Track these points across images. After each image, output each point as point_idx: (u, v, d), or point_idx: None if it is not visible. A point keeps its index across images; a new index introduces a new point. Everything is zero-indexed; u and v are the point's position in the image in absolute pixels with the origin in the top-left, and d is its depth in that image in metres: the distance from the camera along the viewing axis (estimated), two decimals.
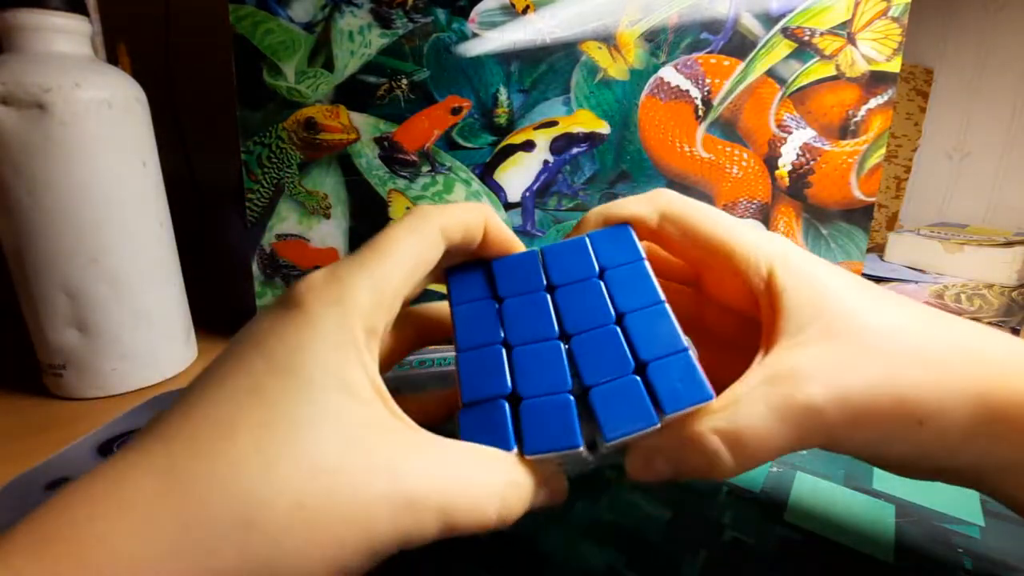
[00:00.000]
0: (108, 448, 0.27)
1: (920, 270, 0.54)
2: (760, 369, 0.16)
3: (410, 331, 0.21)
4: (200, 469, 0.12)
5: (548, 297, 0.18)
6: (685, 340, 0.16)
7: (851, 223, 0.41)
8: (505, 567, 0.20)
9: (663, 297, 0.17)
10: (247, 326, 0.15)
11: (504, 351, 0.17)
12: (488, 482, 0.14)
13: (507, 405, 0.16)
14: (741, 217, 0.41)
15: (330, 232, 0.39)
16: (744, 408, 0.15)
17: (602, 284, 0.18)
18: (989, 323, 0.40)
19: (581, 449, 0.15)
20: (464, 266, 0.19)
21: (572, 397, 0.16)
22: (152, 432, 0.13)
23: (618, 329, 0.17)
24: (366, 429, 0.13)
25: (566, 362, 0.17)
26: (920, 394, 0.15)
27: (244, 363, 0.14)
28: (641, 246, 0.19)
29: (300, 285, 0.15)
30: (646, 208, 0.19)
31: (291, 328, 0.14)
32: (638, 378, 0.16)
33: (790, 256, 0.17)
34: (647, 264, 0.18)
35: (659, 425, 0.15)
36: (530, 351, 0.17)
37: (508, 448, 0.15)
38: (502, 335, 0.17)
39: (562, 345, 0.17)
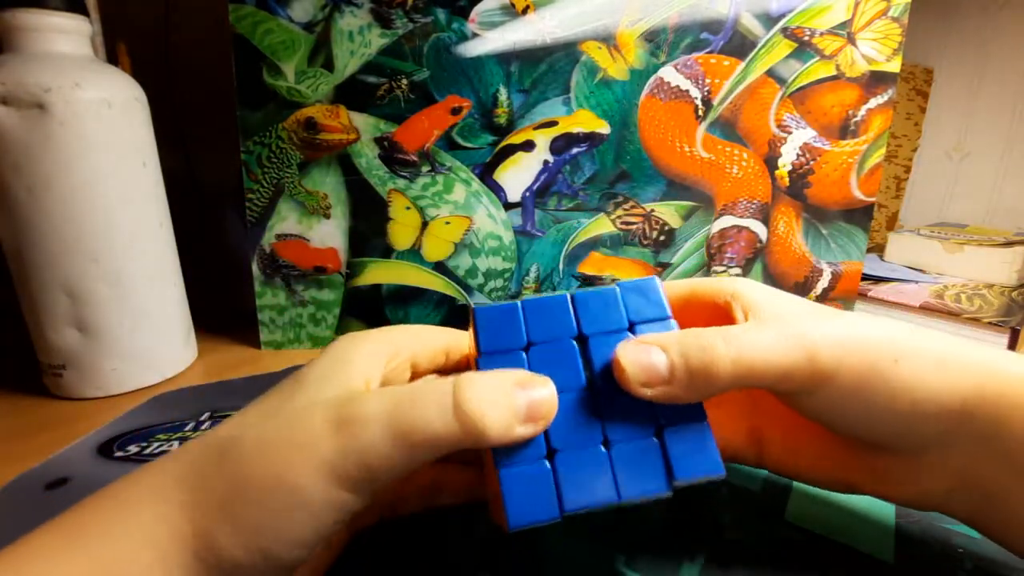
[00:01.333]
0: (108, 448, 0.27)
1: (920, 270, 0.54)
2: (754, 317, 0.18)
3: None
4: (217, 433, 0.16)
5: (578, 348, 0.18)
6: (704, 411, 0.17)
7: (851, 223, 0.41)
8: (505, 567, 0.20)
9: None
10: None
11: None
12: (436, 389, 0.15)
13: (548, 466, 0.16)
14: (741, 216, 0.41)
15: (330, 232, 0.39)
16: (743, 324, 0.17)
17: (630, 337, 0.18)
18: (989, 323, 0.40)
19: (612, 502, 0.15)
20: (491, 308, 0.18)
21: (606, 450, 0.16)
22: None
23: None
24: (334, 396, 0.16)
25: (596, 419, 0.17)
26: (896, 340, 0.17)
27: (280, 384, 0.17)
28: (667, 302, 0.19)
29: (337, 341, 0.19)
30: None
31: (314, 361, 0.18)
32: (657, 441, 0.16)
33: (748, 281, 0.20)
34: (675, 323, 0.18)
35: (669, 493, 0.16)
36: (562, 401, 0.16)
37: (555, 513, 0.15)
38: None
39: (588, 396, 0.17)
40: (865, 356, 0.17)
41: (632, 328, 0.18)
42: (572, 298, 0.18)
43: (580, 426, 0.16)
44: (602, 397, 0.17)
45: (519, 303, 0.18)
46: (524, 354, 0.17)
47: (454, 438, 0.14)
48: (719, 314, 0.20)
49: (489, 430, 0.14)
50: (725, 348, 0.16)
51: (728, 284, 0.20)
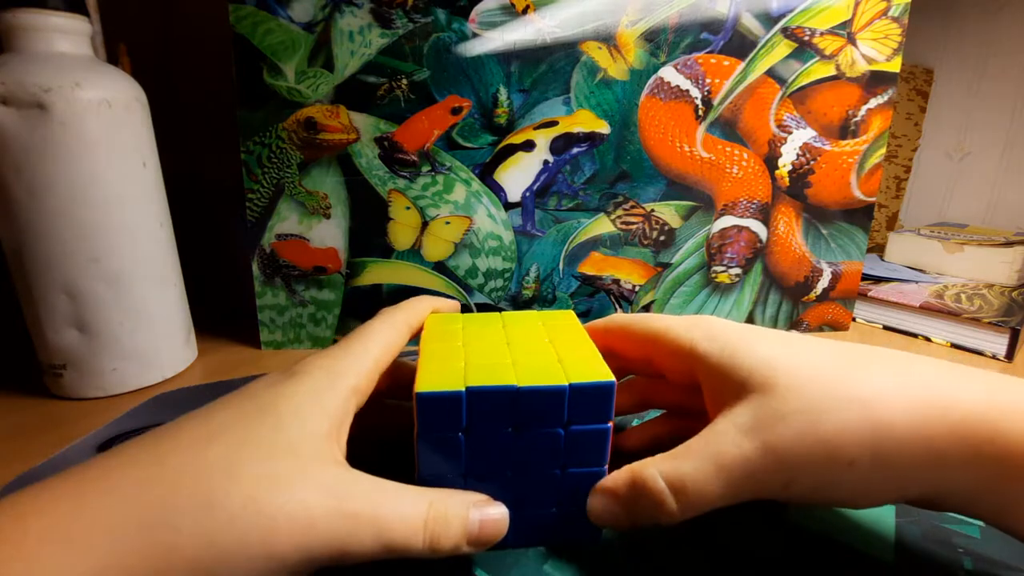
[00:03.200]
0: (108, 448, 0.27)
1: (920, 270, 0.54)
2: (705, 435, 0.18)
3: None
4: (178, 464, 0.15)
5: (511, 437, 0.19)
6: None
7: (851, 223, 0.41)
8: (505, 567, 0.20)
9: (607, 461, 0.19)
10: (246, 384, 0.19)
11: (462, 483, 0.19)
12: (416, 507, 0.17)
13: None
14: (741, 216, 0.41)
15: (330, 232, 0.39)
16: (689, 460, 0.18)
17: (562, 436, 0.19)
18: (989, 323, 0.40)
19: None
20: (436, 395, 0.18)
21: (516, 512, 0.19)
22: (146, 436, 0.16)
23: (558, 474, 0.19)
24: (317, 459, 0.16)
25: (510, 489, 0.19)
26: (846, 439, 0.16)
27: (234, 402, 0.17)
28: (612, 410, 0.19)
29: (300, 362, 0.19)
30: (598, 328, 0.24)
31: (280, 382, 0.18)
32: (555, 511, 0.20)
33: (711, 328, 0.20)
34: (610, 429, 0.19)
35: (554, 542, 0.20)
36: (482, 482, 0.19)
37: None
38: (463, 469, 0.19)
39: (509, 474, 0.19)
40: (815, 468, 0.16)
41: (567, 426, 0.19)
42: (518, 392, 0.18)
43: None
44: (519, 477, 0.19)
45: (463, 392, 0.18)
46: (462, 436, 0.18)
47: (418, 551, 0.16)
48: (685, 369, 0.21)
49: (442, 550, 0.17)
50: (674, 503, 0.17)
51: (687, 339, 0.20)
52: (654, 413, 0.29)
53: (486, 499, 0.19)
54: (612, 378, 0.18)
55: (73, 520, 0.13)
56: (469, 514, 0.17)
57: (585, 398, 0.18)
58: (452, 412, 0.18)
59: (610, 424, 0.19)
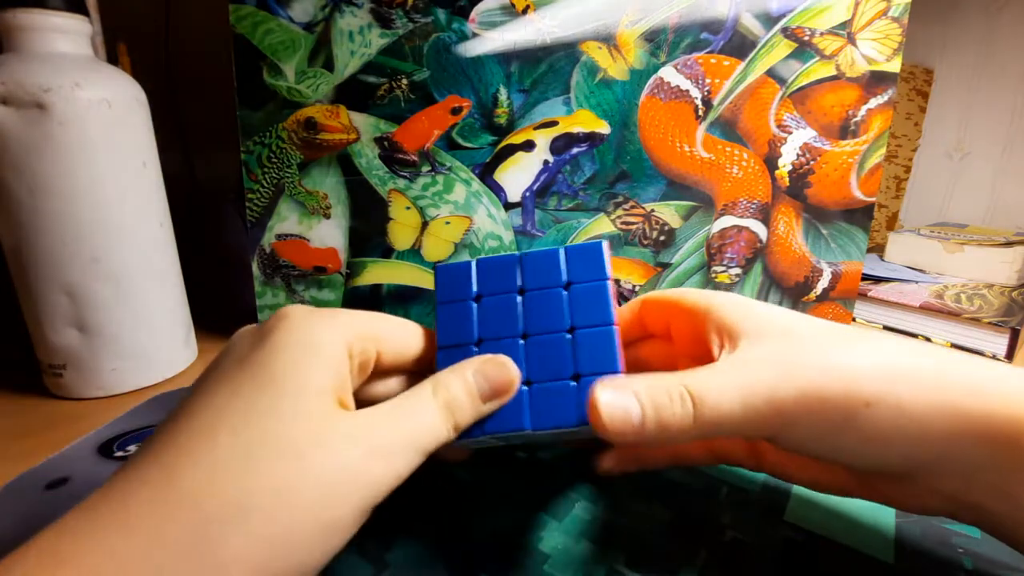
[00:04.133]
0: (108, 448, 0.27)
1: (920, 270, 0.54)
2: (725, 359, 0.18)
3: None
4: (189, 472, 0.13)
5: (519, 300, 0.20)
6: (621, 364, 0.19)
7: (851, 223, 0.41)
8: (505, 567, 0.20)
9: (614, 319, 0.20)
10: (230, 341, 0.18)
11: (475, 350, 0.20)
12: (429, 407, 0.17)
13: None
14: (741, 216, 0.41)
15: (330, 232, 0.39)
16: (710, 375, 0.17)
17: (565, 296, 0.20)
18: (989, 323, 0.40)
19: (526, 431, 0.19)
20: (451, 265, 0.21)
21: (526, 387, 0.19)
22: (145, 448, 0.15)
23: (568, 338, 0.20)
24: (331, 411, 0.16)
25: (524, 360, 0.20)
26: (869, 378, 0.16)
27: (224, 376, 0.16)
28: (610, 265, 0.20)
29: (283, 310, 0.18)
30: (634, 306, 0.24)
31: (264, 337, 0.17)
32: (573, 384, 0.19)
33: (725, 296, 0.21)
34: (609, 284, 0.20)
35: (575, 428, 0.18)
36: (496, 347, 0.20)
37: None
38: (476, 336, 0.20)
39: (521, 343, 0.20)
40: (832, 405, 0.16)
41: (568, 287, 0.20)
42: (520, 257, 0.21)
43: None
44: (530, 344, 0.20)
45: (473, 261, 0.21)
46: (474, 304, 0.20)
47: (449, 438, 0.18)
48: (696, 331, 0.21)
49: (465, 423, 0.18)
50: (691, 408, 0.17)
51: (704, 302, 0.20)
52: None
53: (484, 357, 0.19)
54: (603, 240, 0.20)
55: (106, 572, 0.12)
56: (470, 380, 0.18)
57: (580, 256, 0.20)
58: (464, 280, 0.20)
59: (608, 280, 0.20)
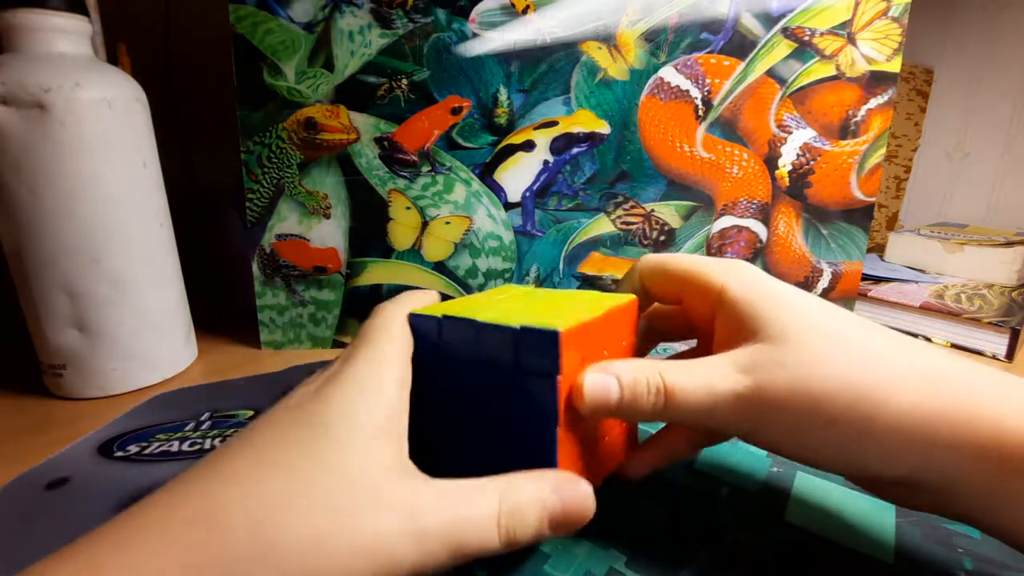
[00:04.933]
0: (108, 448, 0.27)
1: (920, 270, 0.54)
2: (710, 360, 0.19)
3: None
4: (229, 501, 0.14)
5: (472, 373, 0.19)
6: (557, 462, 0.18)
7: (851, 223, 0.41)
8: (505, 566, 0.20)
9: (559, 419, 0.18)
10: (291, 392, 0.18)
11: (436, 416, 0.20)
12: (488, 506, 0.16)
13: None
14: (741, 216, 0.41)
15: (330, 232, 0.39)
16: (689, 372, 0.18)
17: (515, 382, 0.18)
18: (989, 323, 0.40)
19: None
20: (420, 317, 0.20)
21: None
22: (198, 467, 0.15)
23: (508, 432, 0.19)
24: (378, 471, 0.15)
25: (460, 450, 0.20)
26: (831, 393, 0.16)
27: (279, 416, 0.16)
28: (562, 359, 0.18)
29: (336, 360, 0.19)
30: (632, 278, 0.24)
31: (323, 386, 0.17)
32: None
33: (744, 274, 0.20)
34: (559, 380, 0.18)
35: None
36: (444, 414, 0.20)
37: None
38: (433, 394, 0.20)
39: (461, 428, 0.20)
40: (796, 417, 0.17)
41: (519, 371, 0.18)
42: (478, 328, 0.19)
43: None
44: (471, 429, 0.20)
45: (440, 317, 0.20)
46: (435, 359, 0.20)
47: (495, 549, 0.16)
48: (709, 309, 0.21)
49: (521, 542, 0.16)
50: (664, 400, 0.18)
51: (717, 280, 0.20)
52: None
53: (569, 476, 0.17)
54: (560, 329, 0.17)
55: None
56: (547, 498, 0.16)
57: (534, 343, 0.18)
58: (430, 335, 0.20)
59: (558, 376, 0.18)
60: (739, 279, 0.20)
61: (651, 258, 0.23)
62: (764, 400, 0.17)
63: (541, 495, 0.16)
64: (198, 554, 0.13)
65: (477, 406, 0.19)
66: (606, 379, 0.18)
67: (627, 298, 0.22)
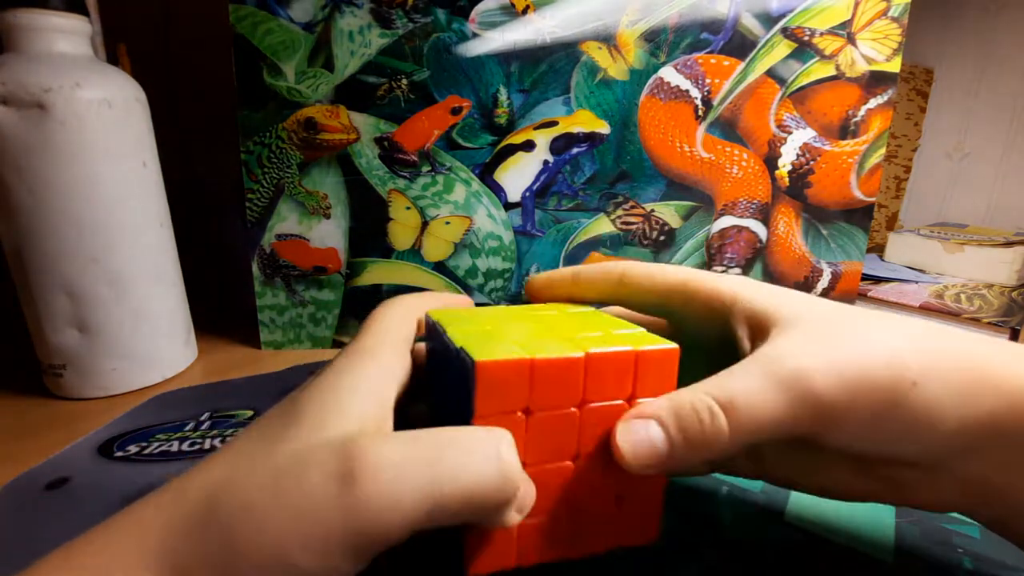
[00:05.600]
0: (108, 448, 0.27)
1: (920, 270, 0.54)
2: (752, 356, 0.16)
3: None
4: (191, 482, 0.14)
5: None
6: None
7: (851, 223, 0.41)
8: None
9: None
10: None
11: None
12: (472, 434, 0.14)
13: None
14: (741, 217, 0.41)
15: (330, 232, 0.39)
16: (736, 377, 0.15)
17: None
18: (989, 323, 0.40)
19: None
20: (434, 321, 0.19)
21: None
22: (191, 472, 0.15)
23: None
24: (334, 442, 0.14)
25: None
26: (910, 358, 0.15)
27: (271, 409, 0.16)
28: (476, 398, 0.15)
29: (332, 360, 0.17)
30: (606, 281, 0.21)
31: (314, 379, 0.16)
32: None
33: (749, 282, 0.19)
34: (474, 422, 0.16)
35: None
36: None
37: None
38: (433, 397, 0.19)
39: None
40: (878, 389, 0.15)
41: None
42: (454, 352, 0.16)
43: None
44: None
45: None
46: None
47: (490, 495, 0.13)
48: (714, 318, 0.19)
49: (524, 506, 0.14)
50: (724, 423, 0.15)
51: (727, 288, 0.19)
52: None
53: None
54: (479, 359, 0.14)
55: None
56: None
57: (463, 367, 0.15)
58: (434, 335, 0.19)
59: (471, 419, 0.15)
60: (749, 284, 0.19)
61: (639, 265, 0.21)
62: (846, 376, 0.15)
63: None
64: (163, 529, 0.13)
65: (453, 420, 0.16)
66: (643, 425, 0.15)
67: (663, 345, 0.16)
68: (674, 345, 0.16)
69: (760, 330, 0.17)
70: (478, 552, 0.16)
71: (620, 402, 0.16)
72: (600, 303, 0.22)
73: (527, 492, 0.15)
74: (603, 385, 0.16)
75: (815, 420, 0.15)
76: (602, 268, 0.22)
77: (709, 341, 0.20)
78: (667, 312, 0.21)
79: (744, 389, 0.15)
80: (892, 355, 0.15)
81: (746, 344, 0.18)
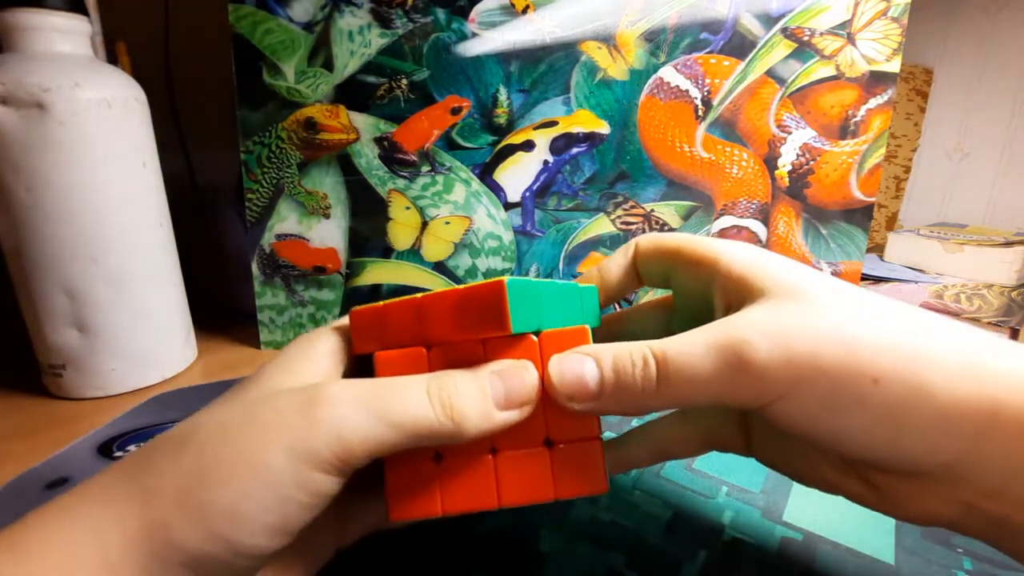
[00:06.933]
0: (108, 448, 0.27)
1: (920, 270, 0.54)
2: (712, 323, 0.16)
3: None
4: (171, 430, 0.15)
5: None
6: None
7: (851, 223, 0.41)
8: (505, 567, 0.20)
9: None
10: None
11: None
12: (414, 382, 0.15)
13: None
14: (740, 217, 0.41)
15: (330, 232, 0.39)
16: (683, 337, 0.15)
17: None
18: (989, 323, 0.40)
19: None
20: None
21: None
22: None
23: None
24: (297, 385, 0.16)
25: None
26: (875, 349, 0.14)
27: (239, 383, 0.17)
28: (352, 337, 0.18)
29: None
30: (625, 255, 0.22)
31: (285, 355, 0.18)
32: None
33: (736, 244, 0.18)
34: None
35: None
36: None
37: None
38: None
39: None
40: (829, 376, 0.14)
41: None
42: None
43: None
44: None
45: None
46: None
47: (432, 422, 0.14)
48: (701, 286, 0.19)
49: (468, 417, 0.15)
50: (654, 369, 0.15)
51: (710, 253, 0.18)
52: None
53: (509, 364, 0.16)
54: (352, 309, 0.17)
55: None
56: (481, 373, 0.15)
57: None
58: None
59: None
60: (735, 246, 0.18)
61: (648, 236, 0.21)
62: (792, 353, 0.14)
63: (478, 373, 0.15)
64: (131, 463, 0.14)
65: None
66: (580, 359, 0.16)
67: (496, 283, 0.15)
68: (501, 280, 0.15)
69: (736, 299, 0.17)
70: (400, 496, 0.16)
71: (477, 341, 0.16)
72: (620, 291, 0.22)
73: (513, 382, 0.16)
74: (444, 325, 0.16)
75: (754, 392, 0.14)
76: (619, 250, 0.22)
77: (704, 312, 0.19)
78: (673, 283, 0.21)
79: (680, 347, 0.15)
80: (854, 345, 0.14)
81: (720, 315, 0.17)
